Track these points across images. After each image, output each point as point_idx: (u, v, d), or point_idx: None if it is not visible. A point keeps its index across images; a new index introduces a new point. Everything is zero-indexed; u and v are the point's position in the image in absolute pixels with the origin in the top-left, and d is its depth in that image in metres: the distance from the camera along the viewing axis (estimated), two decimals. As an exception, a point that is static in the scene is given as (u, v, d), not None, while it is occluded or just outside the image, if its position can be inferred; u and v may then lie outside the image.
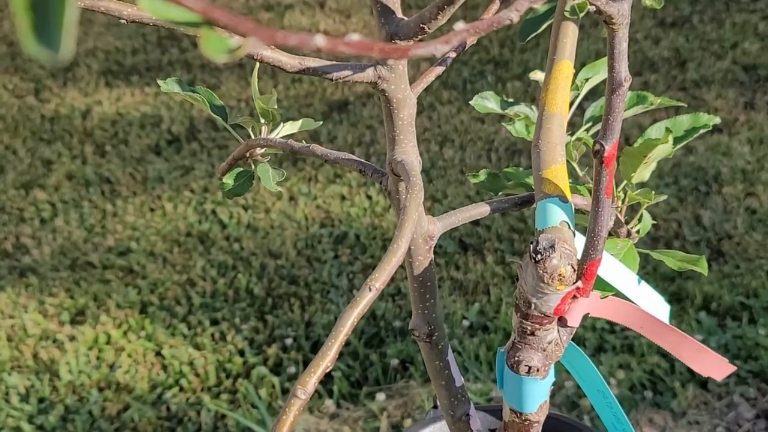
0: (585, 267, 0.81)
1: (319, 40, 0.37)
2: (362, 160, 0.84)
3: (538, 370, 0.83)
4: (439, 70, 0.83)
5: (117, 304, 2.51)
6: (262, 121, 0.92)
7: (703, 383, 2.10)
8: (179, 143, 3.32)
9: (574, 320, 0.83)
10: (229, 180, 0.92)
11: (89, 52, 4.03)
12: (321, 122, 0.98)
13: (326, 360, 0.69)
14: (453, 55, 0.84)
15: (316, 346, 2.33)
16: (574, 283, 0.80)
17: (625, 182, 0.94)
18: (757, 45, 3.37)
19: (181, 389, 2.23)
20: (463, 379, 0.91)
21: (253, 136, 0.94)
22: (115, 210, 2.95)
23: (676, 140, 1.00)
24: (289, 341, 2.33)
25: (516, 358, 0.83)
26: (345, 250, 2.64)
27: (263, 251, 2.67)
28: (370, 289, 0.69)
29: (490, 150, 3.00)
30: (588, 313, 0.86)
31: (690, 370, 2.12)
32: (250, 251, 2.68)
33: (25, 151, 3.35)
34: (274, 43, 0.34)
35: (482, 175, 0.98)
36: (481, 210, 0.85)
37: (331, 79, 0.75)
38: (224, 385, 2.22)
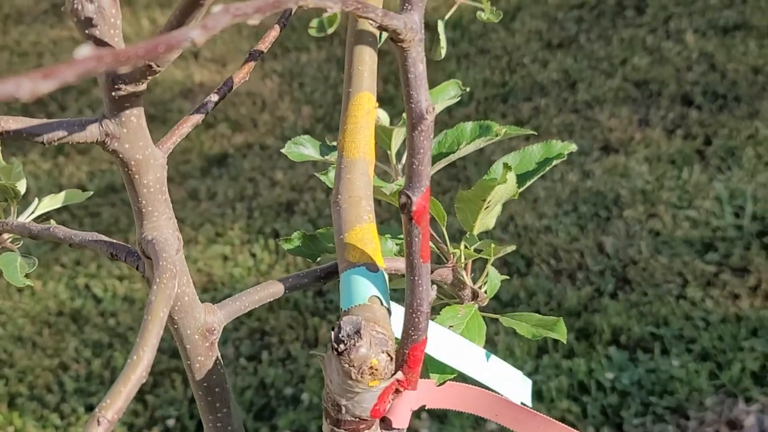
0: (406, 352, 0.63)
1: None
2: (112, 241, 0.66)
3: (362, 491, 0.64)
4: (196, 118, 0.65)
5: (-19, 398, 2.28)
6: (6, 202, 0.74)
7: (618, 425, 1.94)
8: (48, 215, 3.09)
9: (401, 420, 0.65)
10: (-33, 276, 0.73)
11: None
12: (91, 192, 0.79)
13: None
14: (215, 98, 0.66)
15: (201, 426, 2.12)
16: (392, 375, 0.62)
17: (465, 236, 0.77)
18: (647, 59, 3.26)
19: (53, 489, 2.01)
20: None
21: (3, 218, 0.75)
22: (-22, 294, 2.71)
23: (527, 175, 0.84)
24: (171, 422, 2.13)
25: (332, 479, 0.65)
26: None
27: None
28: (99, 423, 0.50)
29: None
30: (424, 406, 0.68)
31: (604, 411, 1.97)
32: (127, 326, 2.46)
33: None
34: None
35: (296, 240, 0.81)
36: (273, 290, 0.67)
37: (43, 143, 0.57)
38: (100, 479, 2.00)
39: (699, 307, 2.20)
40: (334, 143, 0.91)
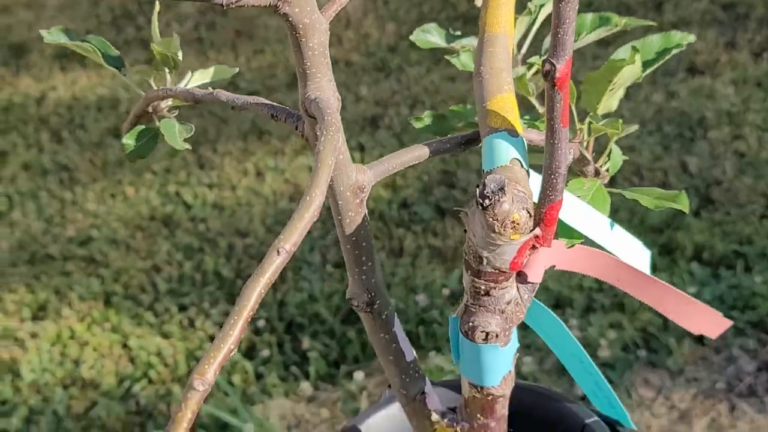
0: (543, 211, 0.68)
1: None
2: (273, 104, 0.71)
3: (497, 336, 0.70)
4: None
5: (80, 296, 2.38)
6: (164, 69, 0.79)
7: (700, 338, 1.98)
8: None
9: (535, 275, 0.70)
10: (129, 140, 0.79)
11: (42, 37, 3.87)
12: (237, 69, 0.85)
13: (228, 342, 0.56)
14: None
15: (291, 327, 2.21)
16: (530, 231, 0.67)
17: (590, 114, 0.81)
18: (735, -17, 3.23)
19: (150, 381, 2.11)
20: (415, 352, 0.78)
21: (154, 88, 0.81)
22: (74, 198, 2.81)
23: (646, 64, 0.87)
24: (261, 323, 2.21)
25: (470, 324, 0.71)
26: (316, 224, 2.52)
27: (230, 230, 2.54)
28: (278, 253, 0.56)
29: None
30: (553, 266, 0.73)
31: (684, 325, 2.00)
32: (217, 231, 2.55)
33: (-20, 143, 3.21)
34: None
35: (427, 118, 0.86)
36: (418, 153, 0.72)
37: (222, 5, 0.62)
38: (195, 373, 2.09)
39: (782, 227, 2.22)
40: (458, 32, 0.95)
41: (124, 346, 2.22)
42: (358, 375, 2.01)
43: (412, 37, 0.91)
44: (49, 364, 2.19)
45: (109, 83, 3.39)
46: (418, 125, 0.85)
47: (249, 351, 2.14)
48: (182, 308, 2.30)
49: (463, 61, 0.85)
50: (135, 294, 2.37)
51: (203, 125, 3.01)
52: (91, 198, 2.79)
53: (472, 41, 0.91)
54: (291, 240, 0.57)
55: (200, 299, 2.31)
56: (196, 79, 0.83)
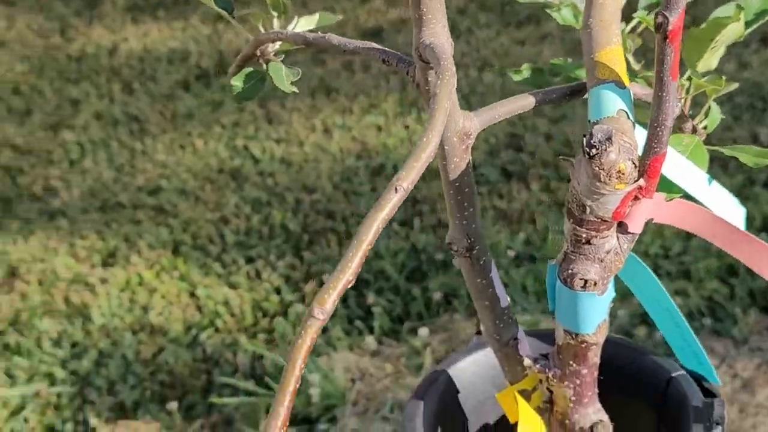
0: (647, 163, 0.69)
1: None
2: (385, 49, 0.73)
3: (595, 283, 0.72)
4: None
5: (149, 244, 2.43)
6: (273, 13, 0.81)
7: (765, 308, 1.97)
8: (208, 78, 3.21)
9: (636, 225, 0.72)
10: (238, 82, 0.81)
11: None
12: (340, 16, 0.86)
13: (347, 273, 0.59)
14: None
15: (355, 282, 2.23)
16: (635, 182, 0.69)
17: (689, 71, 0.82)
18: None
19: (217, 330, 2.15)
20: (509, 299, 0.80)
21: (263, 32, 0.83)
22: (144, 148, 2.85)
23: (746, 24, 0.87)
24: (326, 278, 2.23)
25: (570, 271, 0.72)
26: (382, 183, 2.53)
27: (298, 186, 2.57)
28: (396, 190, 0.58)
29: (531, 74, 2.85)
30: (651, 219, 0.74)
31: (752, 293, 2.00)
32: (285, 186, 2.58)
33: (52, 91, 3.26)
34: None
35: (525, 71, 0.87)
36: (525, 102, 0.73)
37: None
38: (261, 324, 2.13)
39: None
40: (555, -12, 0.96)
41: (192, 294, 2.26)
42: (423, 331, 2.03)
43: (510, -8, 0.92)
44: (118, 310, 2.24)
45: (179, 36, 3.42)
46: (516, 78, 0.86)
47: (314, 303, 2.17)
48: (249, 260, 2.34)
49: (564, 16, 0.86)
50: (203, 244, 2.41)
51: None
52: (160, 149, 2.83)
53: (568, -3, 0.92)
54: (409, 178, 0.59)
55: (267, 252, 2.34)
56: (302, 25, 0.84)
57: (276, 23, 0.82)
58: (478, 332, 0.85)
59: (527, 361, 0.78)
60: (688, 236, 2.17)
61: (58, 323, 2.21)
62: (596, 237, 0.70)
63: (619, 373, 0.83)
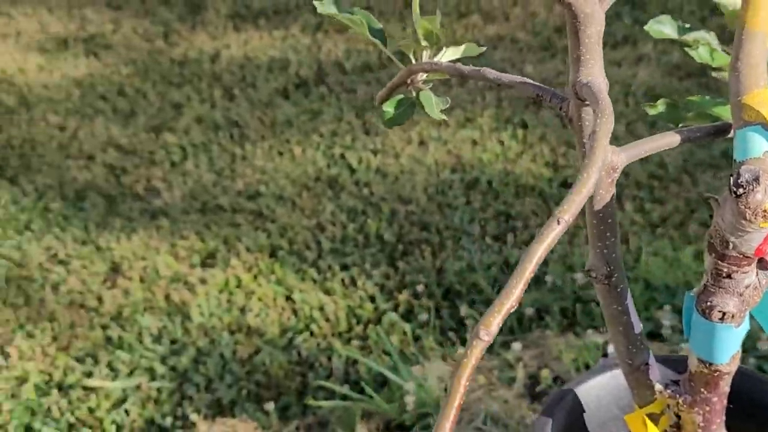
0: (791, 203, 0.72)
1: None
2: (539, 84, 0.77)
3: (733, 316, 0.75)
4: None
5: (247, 247, 2.49)
6: (424, 44, 0.86)
7: None
8: (307, 87, 3.28)
9: (776, 263, 0.75)
10: (389, 108, 0.86)
11: (216, -3, 4.03)
12: (485, 48, 0.91)
13: (511, 299, 0.63)
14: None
15: (448, 294, 2.27)
16: (779, 221, 0.72)
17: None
18: None
19: (312, 334, 2.20)
20: (642, 326, 0.83)
21: (414, 62, 0.88)
22: (243, 153, 2.93)
23: None
24: (420, 288, 2.28)
25: (708, 303, 0.75)
26: (477, 196, 2.57)
27: (393, 196, 2.62)
28: (558, 222, 0.62)
29: (627, 94, 2.88)
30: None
31: None
32: (380, 196, 2.63)
33: (155, 94, 3.36)
34: None
35: (660, 106, 0.90)
36: (670, 140, 0.77)
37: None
38: (355, 330, 2.18)
39: None
40: (688, 25, 0.99)
41: (288, 298, 2.32)
42: (516, 345, 2.06)
43: (646, 27, 0.96)
44: (216, 310, 2.31)
45: (279, 45, 3.50)
46: (652, 112, 0.90)
47: (407, 314, 2.22)
48: (344, 267, 2.39)
49: (701, 54, 0.89)
50: (300, 250, 2.47)
51: (369, 92, 3.09)
52: (259, 155, 2.91)
53: (701, 34, 0.95)
54: (570, 211, 0.63)
55: (362, 260, 2.39)
56: (449, 55, 0.89)
57: (426, 53, 0.86)
58: (605, 355, 0.89)
59: (658, 386, 0.81)
60: None
61: (159, 320, 2.28)
62: (737, 272, 0.73)
63: (748, 402, 0.86)
